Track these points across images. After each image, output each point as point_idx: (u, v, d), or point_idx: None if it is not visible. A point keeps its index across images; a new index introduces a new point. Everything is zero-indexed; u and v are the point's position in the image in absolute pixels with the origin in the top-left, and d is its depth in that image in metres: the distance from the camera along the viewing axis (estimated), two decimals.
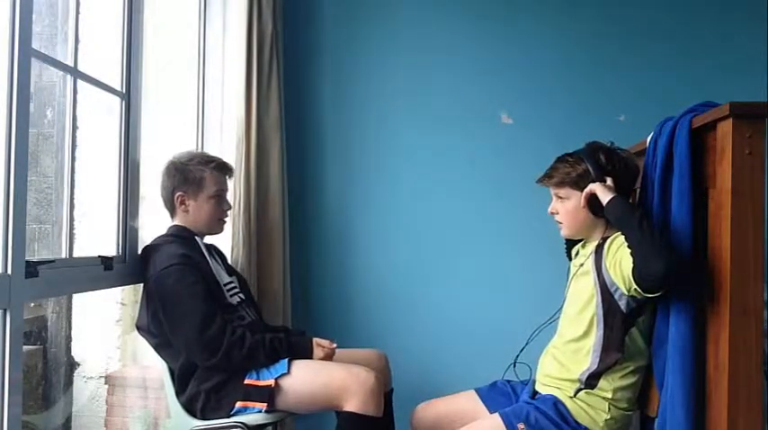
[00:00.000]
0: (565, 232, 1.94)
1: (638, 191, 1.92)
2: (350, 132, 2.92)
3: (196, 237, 2.15)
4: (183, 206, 2.15)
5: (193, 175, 2.14)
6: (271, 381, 1.96)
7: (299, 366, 2.01)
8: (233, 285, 2.21)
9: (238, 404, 1.96)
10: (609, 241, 1.79)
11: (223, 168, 2.21)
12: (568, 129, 2.75)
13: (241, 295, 2.22)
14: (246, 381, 1.97)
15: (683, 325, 1.61)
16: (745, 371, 1.50)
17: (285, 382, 1.97)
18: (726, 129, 1.53)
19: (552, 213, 1.94)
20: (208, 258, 2.13)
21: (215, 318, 1.95)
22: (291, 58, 2.87)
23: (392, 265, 2.89)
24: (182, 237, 2.12)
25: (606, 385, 1.81)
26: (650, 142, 1.81)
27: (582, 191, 1.84)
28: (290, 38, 2.86)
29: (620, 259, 1.70)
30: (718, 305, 1.56)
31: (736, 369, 1.50)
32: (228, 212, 2.25)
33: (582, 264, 1.89)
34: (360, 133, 2.92)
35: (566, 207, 1.89)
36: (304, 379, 1.99)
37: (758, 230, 1.51)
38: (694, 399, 1.58)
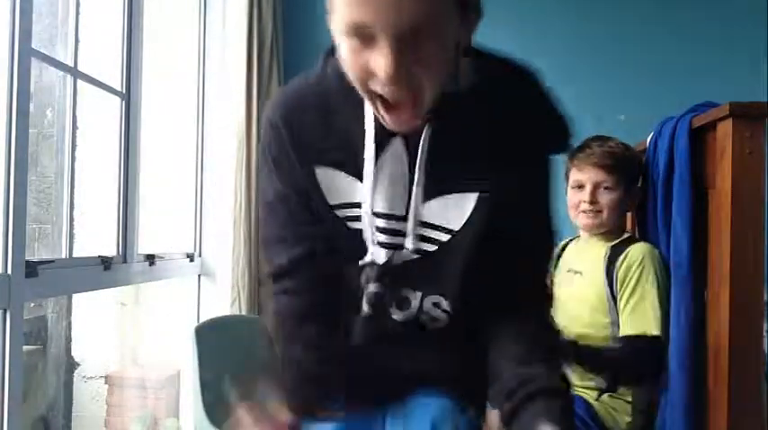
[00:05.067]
0: (605, 223, 1.80)
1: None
2: None
3: None
4: None
5: None
6: None
7: None
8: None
9: None
10: (625, 257, 1.73)
11: None
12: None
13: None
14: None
15: (684, 325, 1.61)
16: (746, 372, 1.50)
17: None
18: (726, 129, 1.53)
19: (591, 202, 1.79)
20: None
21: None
22: (291, 58, 2.87)
23: None
24: None
25: (625, 389, 1.76)
26: (650, 142, 1.81)
27: (624, 185, 1.79)
28: (289, 38, 2.86)
29: (635, 304, 1.68)
30: (719, 305, 1.55)
31: (737, 370, 1.50)
32: None
33: (581, 271, 1.83)
34: None
35: (614, 198, 1.78)
36: None
37: (758, 230, 1.51)
38: (695, 401, 1.58)
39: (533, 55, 3.03)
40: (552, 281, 1.91)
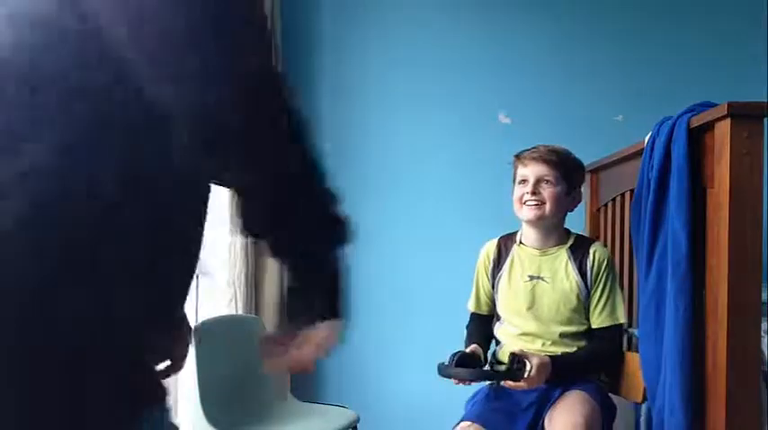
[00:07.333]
0: (547, 215, 1.89)
1: (633, 191, 1.92)
2: (348, 131, 2.91)
3: None
4: None
5: None
6: None
7: None
8: None
9: None
10: (594, 257, 1.90)
11: None
12: (566, 128, 2.75)
13: None
14: None
15: (682, 324, 1.61)
16: (743, 371, 1.50)
17: None
18: (724, 129, 1.53)
19: (533, 193, 1.88)
20: None
21: None
22: (289, 56, 2.87)
23: (390, 268, 2.89)
24: None
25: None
26: (648, 142, 1.81)
27: (565, 183, 1.90)
28: (287, 37, 2.85)
29: (606, 300, 1.89)
30: (716, 305, 1.55)
31: (734, 369, 1.50)
32: None
33: (543, 276, 1.93)
34: (358, 132, 2.91)
35: (555, 191, 1.89)
36: None
37: (756, 230, 1.51)
38: (693, 400, 1.58)
39: (532, 55, 3.05)
40: (493, 286, 2.03)
